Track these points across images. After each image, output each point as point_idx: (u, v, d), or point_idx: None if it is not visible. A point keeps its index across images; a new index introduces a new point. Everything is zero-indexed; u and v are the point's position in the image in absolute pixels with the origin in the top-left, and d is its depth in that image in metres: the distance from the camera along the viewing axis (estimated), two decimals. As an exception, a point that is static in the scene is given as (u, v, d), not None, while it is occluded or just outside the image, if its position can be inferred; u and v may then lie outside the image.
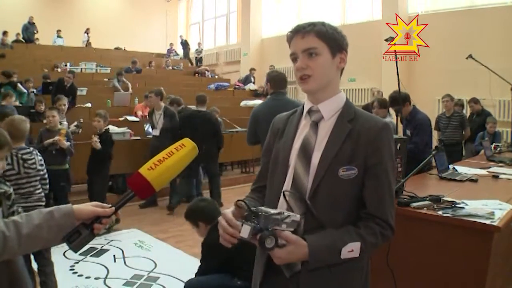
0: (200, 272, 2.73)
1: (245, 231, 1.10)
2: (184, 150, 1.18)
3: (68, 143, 4.47)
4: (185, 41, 16.50)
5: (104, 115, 4.96)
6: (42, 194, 3.06)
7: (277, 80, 3.56)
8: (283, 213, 1.15)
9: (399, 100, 4.16)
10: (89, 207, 1.12)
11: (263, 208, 1.16)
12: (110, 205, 1.14)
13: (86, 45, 15.07)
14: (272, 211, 1.14)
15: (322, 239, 1.18)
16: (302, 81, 1.27)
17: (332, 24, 1.32)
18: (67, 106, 6.30)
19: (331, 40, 1.26)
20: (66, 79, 7.89)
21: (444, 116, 6.27)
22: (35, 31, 13.70)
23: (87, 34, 15.41)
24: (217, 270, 2.64)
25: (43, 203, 3.17)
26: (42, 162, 3.08)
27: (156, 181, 1.13)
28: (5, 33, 12.35)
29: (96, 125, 4.93)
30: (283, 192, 1.26)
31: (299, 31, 1.27)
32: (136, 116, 7.79)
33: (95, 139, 4.80)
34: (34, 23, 13.63)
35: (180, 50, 16.89)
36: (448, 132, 6.15)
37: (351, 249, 1.18)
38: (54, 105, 5.91)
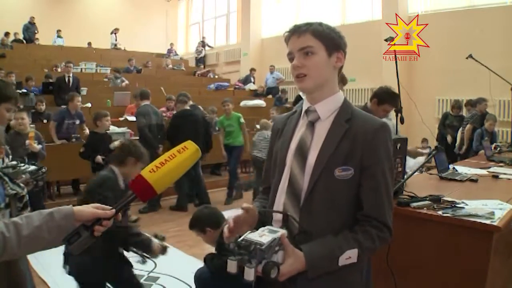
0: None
1: (249, 274, 1.07)
2: (186, 152, 1.18)
3: (40, 146, 4.35)
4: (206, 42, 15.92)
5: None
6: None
7: None
8: (275, 239, 1.11)
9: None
10: (89, 209, 1.12)
11: (251, 238, 1.11)
12: (110, 207, 1.13)
13: (115, 47, 14.85)
14: (264, 240, 1.10)
15: (319, 248, 1.17)
16: (298, 80, 1.28)
17: (332, 24, 1.32)
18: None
19: (328, 39, 1.26)
20: (66, 69, 7.76)
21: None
22: (36, 31, 13.69)
23: (115, 34, 14.94)
24: None
25: None
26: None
27: (158, 183, 1.12)
28: (6, 34, 12.36)
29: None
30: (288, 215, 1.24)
31: (296, 31, 1.28)
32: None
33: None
34: (34, 23, 13.61)
35: (180, 50, 16.82)
36: None
37: (349, 256, 1.18)
38: (68, 104, 5.86)
